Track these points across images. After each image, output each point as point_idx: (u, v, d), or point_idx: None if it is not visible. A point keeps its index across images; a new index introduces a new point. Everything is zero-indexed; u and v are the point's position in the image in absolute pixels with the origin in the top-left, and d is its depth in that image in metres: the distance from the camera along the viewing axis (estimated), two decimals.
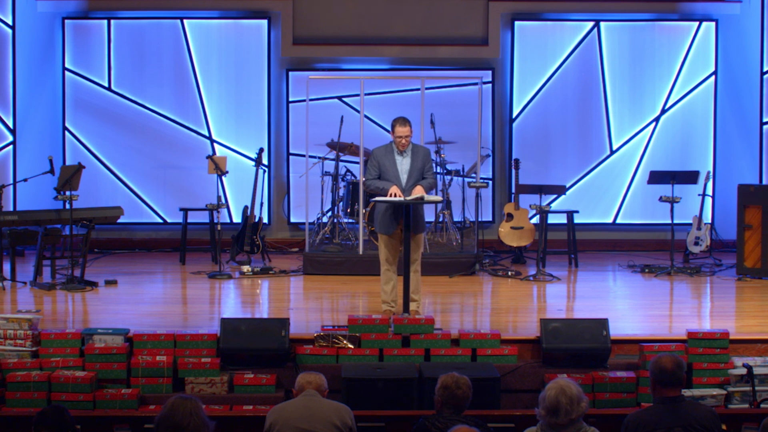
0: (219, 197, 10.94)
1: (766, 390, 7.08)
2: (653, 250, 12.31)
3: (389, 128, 8.44)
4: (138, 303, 9.27)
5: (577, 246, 11.39)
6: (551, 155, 12.70)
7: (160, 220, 12.72)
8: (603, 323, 7.50)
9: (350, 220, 11.47)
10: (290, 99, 12.63)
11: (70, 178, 9.89)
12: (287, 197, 12.72)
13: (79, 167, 10.07)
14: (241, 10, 12.67)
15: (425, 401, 6.89)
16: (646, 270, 10.86)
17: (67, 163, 12.10)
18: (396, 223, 8.23)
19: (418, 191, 8.11)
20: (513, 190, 11.78)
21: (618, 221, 12.79)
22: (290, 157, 12.68)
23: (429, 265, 10.50)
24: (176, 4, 12.58)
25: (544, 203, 11.04)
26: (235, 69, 12.66)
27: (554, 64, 12.68)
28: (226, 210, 12.42)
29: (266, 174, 12.48)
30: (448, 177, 11.69)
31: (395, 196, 8.08)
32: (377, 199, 8.22)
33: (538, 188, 10.94)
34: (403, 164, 8.28)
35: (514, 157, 12.16)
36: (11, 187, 11.80)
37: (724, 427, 5.69)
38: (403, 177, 8.26)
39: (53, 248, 10.39)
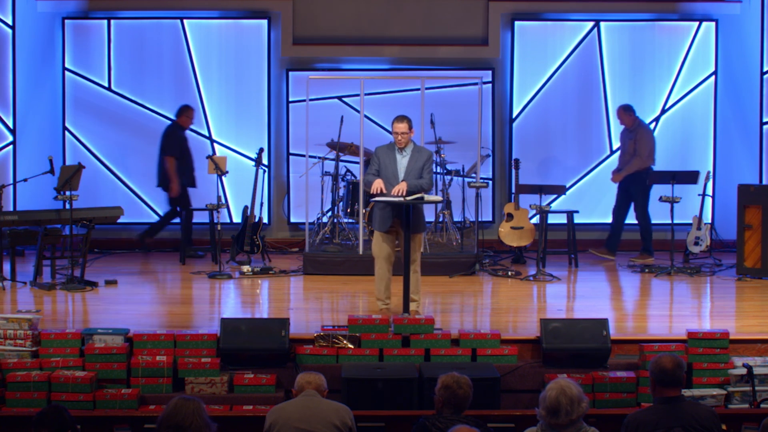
0: (219, 197, 10.94)
1: (766, 390, 7.08)
2: (653, 250, 12.30)
3: (389, 128, 8.56)
4: (138, 303, 9.27)
5: (577, 246, 11.40)
6: (551, 155, 12.69)
7: None
8: (603, 323, 7.50)
9: (350, 220, 11.47)
10: (290, 99, 12.63)
11: (70, 178, 9.88)
12: (287, 197, 12.72)
13: (79, 167, 10.06)
14: (241, 10, 12.68)
15: (425, 401, 6.90)
16: (646, 270, 10.86)
17: (67, 163, 12.09)
18: (391, 220, 8.25)
19: (401, 186, 8.16)
20: (513, 190, 11.78)
21: None
22: (290, 157, 12.68)
23: (429, 265, 10.50)
24: (176, 4, 12.59)
25: (544, 203, 11.05)
26: (235, 69, 12.66)
27: (554, 64, 12.68)
28: (226, 210, 12.42)
29: (266, 174, 12.48)
30: (448, 177, 11.69)
31: (379, 190, 8.13)
32: (378, 198, 8.21)
33: (538, 188, 10.95)
34: (402, 162, 8.36)
35: (514, 157, 12.15)
36: (11, 187, 11.80)
37: (724, 427, 5.70)
38: (401, 175, 8.33)
39: (53, 248, 10.39)
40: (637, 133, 11.49)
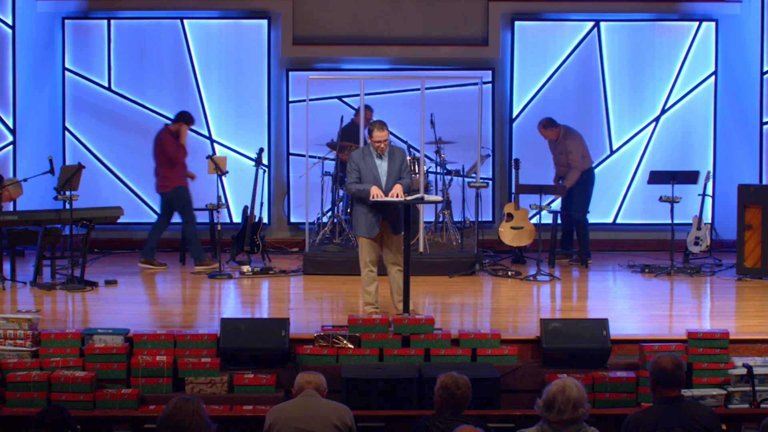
0: (219, 197, 10.94)
1: (766, 390, 7.08)
2: (653, 250, 12.31)
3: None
4: (138, 303, 9.28)
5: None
6: (551, 155, 12.67)
7: None
8: (603, 323, 7.50)
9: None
10: (290, 99, 12.63)
11: (70, 178, 9.89)
12: (287, 197, 12.72)
13: (79, 167, 10.07)
14: (241, 10, 12.68)
15: (425, 401, 6.89)
16: (646, 270, 10.86)
17: (67, 163, 12.10)
18: (379, 224, 8.24)
19: (397, 189, 8.17)
20: (513, 190, 11.78)
21: (618, 221, 12.80)
22: (290, 157, 12.68)
23: (429, 265, 10.53)
24: (176, 4, 12.58)
25: (544, 203, 11.05)
26: (235, 69, 12.66)
27: (554, 64, 12.68)
28: (226, 210, 12.42)
29: (266, 174, 12.48)
30: (448, 177, 11.69)
31: (377, 196, 8.12)
32: (378, 200, 8.19)
33: (538, 188, 10.95)
34: (382, 167, 8.34)
35: (514, 157, 12.15)
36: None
37: (724, 427, 5.70)
38: (383, 178, 8.31)
39: (53, 248, 10.39)
40: (565, 146, 11.45)
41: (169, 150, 10.95)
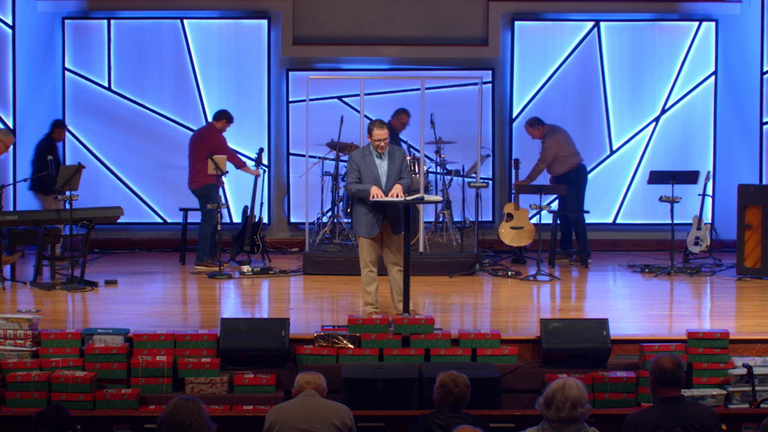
0: (219, 197, 10.95)
1: (766, 390, 7.08)
2: (653, 250, 12.31)
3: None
4: (138, 303, 9.27)
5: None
6: None
7: (160, 220, 12.72)
8: (603, 323, 7.50)
9: (350, 220, 11.46)
10: (290, 99, 12.63)
11: (70, 178, 9.89)
12: (287, 197, 12.72)
13: (79, 167, 10.07)
14: (241, 10, 12.68)
15: (425, 401, 6.89)
16: (646, 270, 10.86)
17: (67, 163, 12.10)
18: (380, 224, 8.24)
19: (397, 189, 8.17)
20: (513, 190, 11.78)
21: (618, 221, 12.80)
22: (290, 157, 12.69)
23: (429, 265, 10.53)
24: (176, 4, 12.59)
25: (544, 203, 11.05)
26: (235, 69, 12.66)
27: (554, 64, 12.68)
28: (226, 210, 12.41)
29: (266, 174, 12.48)
30: (448, 177, 11.69)
31: (377, 196, 8.12)
32: (378, 200, 8.19)
33: (538, 188, 10.95)
34: (382, 166, 8.33)
35: (514, 157, 12.16)
36: (11, 187, 11.80)
37: (724, 427, 5.70)
38: (383, 178, 8.30)
39: (53, 248, 10.39)
40: (544, 143, 11.47)
41: (221, 146, 11.01)
